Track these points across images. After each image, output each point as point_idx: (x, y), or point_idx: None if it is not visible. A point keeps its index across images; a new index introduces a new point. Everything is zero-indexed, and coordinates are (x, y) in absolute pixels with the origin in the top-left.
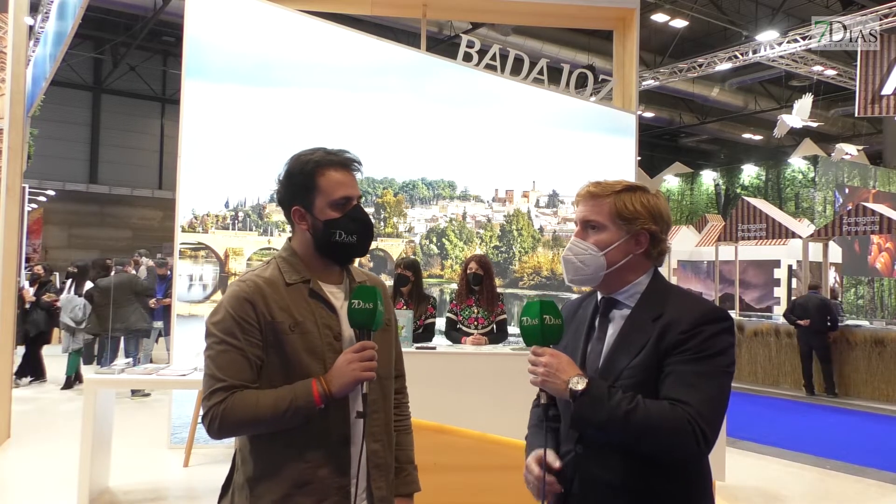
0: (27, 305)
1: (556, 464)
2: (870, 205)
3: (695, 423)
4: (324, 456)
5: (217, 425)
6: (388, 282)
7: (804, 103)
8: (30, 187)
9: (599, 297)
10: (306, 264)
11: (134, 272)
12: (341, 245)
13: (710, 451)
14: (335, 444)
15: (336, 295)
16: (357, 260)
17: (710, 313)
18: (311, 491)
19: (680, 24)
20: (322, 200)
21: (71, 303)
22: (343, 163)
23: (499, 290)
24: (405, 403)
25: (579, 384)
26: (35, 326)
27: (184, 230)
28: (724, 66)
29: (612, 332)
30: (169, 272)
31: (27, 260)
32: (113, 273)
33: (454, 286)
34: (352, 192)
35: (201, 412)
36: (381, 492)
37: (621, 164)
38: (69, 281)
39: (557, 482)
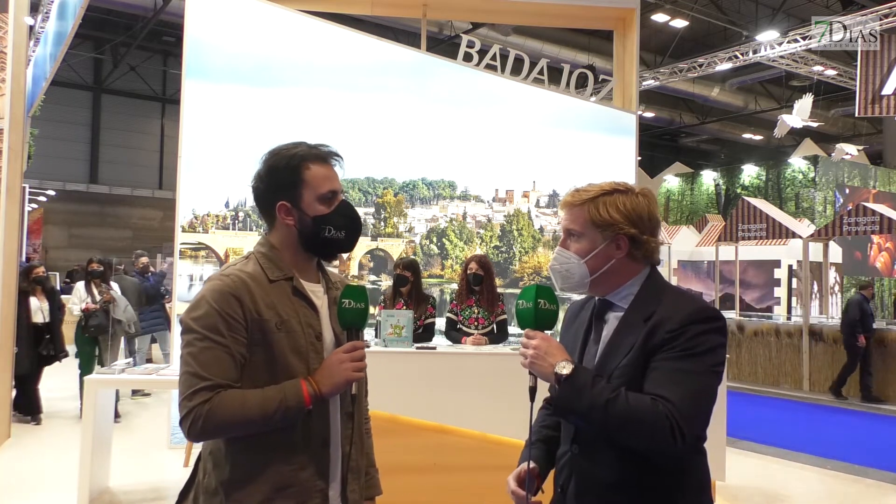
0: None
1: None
2: (870, 205)
3: (673, 419)
4: (306, 458)
5: (200, 427)
6: (388, 282)
7: (804, 103)
8: (30, 187)
9: (596, 299)
10: (287, 260)
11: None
12: (330, 241)
13: (687, 447)
14: (317, 446)
15: (317, 293)
16: (358, 259)
17: (699, 312)
18: (291, 494)
19: (680, 24)
20: (310, 195)
21: (121, 300)
22: (326, 156)
23: (499, 290)
24: (366, 407)
25: (565, 369)
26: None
27: (184, 230)
28: (724, 66)
29: (606, 333)
30: (150, 274)
31: (27, 260)
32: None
33: (454, 286)
34: (337, 186)
35: (180, 413)
36: (355, 495)
37: (621, 164)
38: (82, 284)
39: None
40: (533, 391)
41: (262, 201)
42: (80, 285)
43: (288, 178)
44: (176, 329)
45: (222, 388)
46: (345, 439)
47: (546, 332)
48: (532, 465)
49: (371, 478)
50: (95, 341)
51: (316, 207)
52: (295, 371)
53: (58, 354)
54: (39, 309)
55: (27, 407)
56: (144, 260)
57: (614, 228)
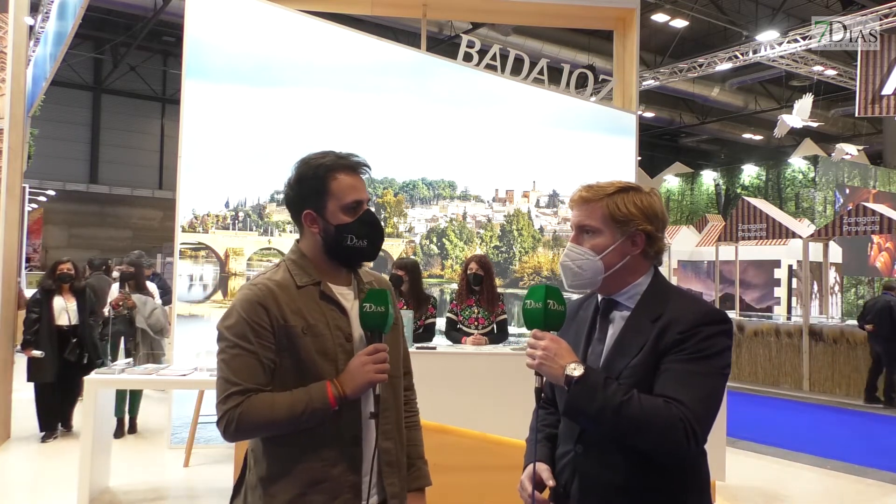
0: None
1: (550, 482)
2: (870, 205)
3: (686, 422)
4: (337, 455)
5: (233, 429)
6: None
7: (804, 103)
8: (30, 187)
9: (600, 298)
10: (316, 266)
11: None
12: (352, 249)
13: (699, 449)
14: (348, 443)
15: (346, 296)
16: None
17: (709, 315)
18: (324, 489)
19: (680, 24)
20: (334, 204)
21: (146, 305)
22: (354, 166)
23: (499, 290)
24: (413, 400)
25: (576, 370)
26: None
27: (184, 230)
28: (724, 66)
29: (612, 333)
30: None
31: (27, 260)
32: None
33: (454, 286)
34: (363, 196)
35: (216, 416)
36: (394, 488)
37: (621, 164)
38: (116, 286)
39: (551, 494)
40: (539, 392)
41: (291, 209)
42: (115, 288)
43: (314, 187)
44: (174, 330)
45: (253, 392)
46: (378, 435)
47: (552, 332)
48: (544, 465)
49: (418, 469)
50: (115, 348)
51: (339, 217)
52: (324, 373)
53: (92, 361)
54: (65, 309)
55: (47, 418)
56: None
57: (633, 224)
